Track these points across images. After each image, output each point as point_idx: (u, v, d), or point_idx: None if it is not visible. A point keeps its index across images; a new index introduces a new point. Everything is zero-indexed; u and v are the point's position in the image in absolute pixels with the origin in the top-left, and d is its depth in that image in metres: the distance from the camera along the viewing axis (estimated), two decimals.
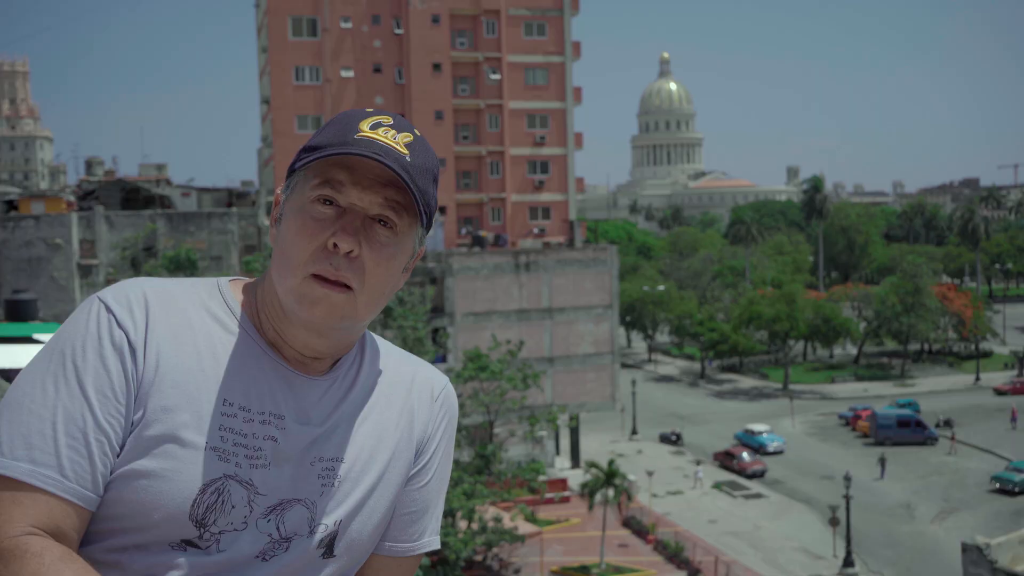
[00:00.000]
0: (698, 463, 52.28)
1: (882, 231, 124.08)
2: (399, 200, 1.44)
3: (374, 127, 1.44)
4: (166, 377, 1.41)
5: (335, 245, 1.40)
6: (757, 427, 57.19)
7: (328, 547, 1.50)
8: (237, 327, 1.49)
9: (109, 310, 1.42)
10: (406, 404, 1.61)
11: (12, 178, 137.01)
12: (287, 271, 1.42)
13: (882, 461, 49.64)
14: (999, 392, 68.09)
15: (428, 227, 1.51)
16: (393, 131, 1.45)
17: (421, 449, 1.62)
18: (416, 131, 1.48)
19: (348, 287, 1.41)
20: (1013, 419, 58.90)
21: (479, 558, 35.25)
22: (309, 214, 1.42)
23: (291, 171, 1.48)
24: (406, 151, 1.43)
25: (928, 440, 55.04)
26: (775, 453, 54.17)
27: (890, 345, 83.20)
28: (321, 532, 1.49)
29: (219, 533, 1.40)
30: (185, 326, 1.45)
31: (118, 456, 1.37)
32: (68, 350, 1.39)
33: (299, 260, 1.41)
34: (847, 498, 37.40)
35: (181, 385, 1.41)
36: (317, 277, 1.40)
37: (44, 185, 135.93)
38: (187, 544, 1.39)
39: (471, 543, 30.97)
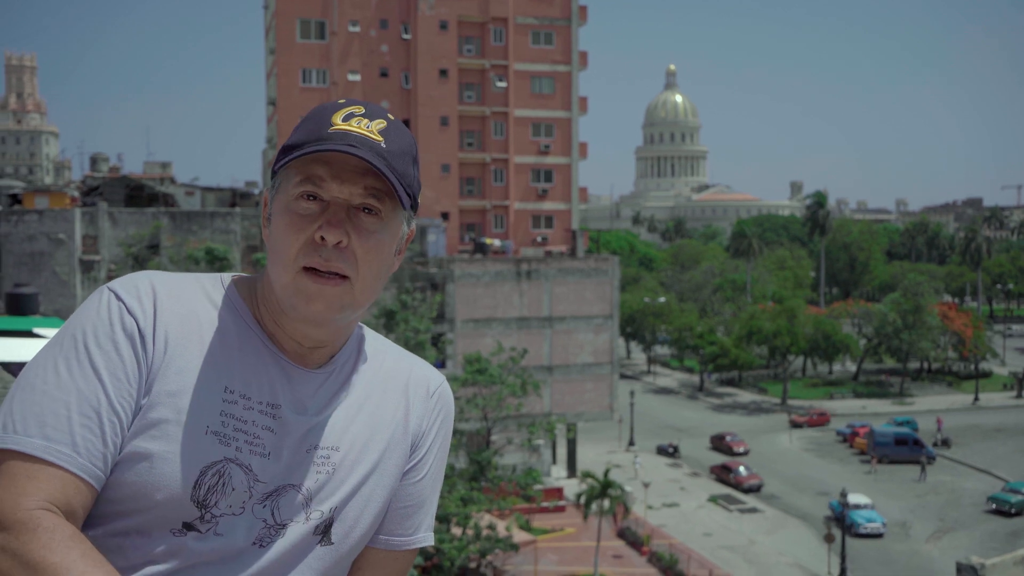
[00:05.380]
0: (636, 456, 53.27)
1: (884, 248, 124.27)
2: (379, 187, 1.47)
3: (347, 118, 1.47)
4: (172, 364, 1.45)
5: (322, 238, 1.43)
6: (856, 498, 43.28)
7: (324, 534, 1.53)
8: (239, 319, 1.53)
9: (119, 298, 1.46)
10: (401, 399, 1.65)
11: (17, 172, 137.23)
12: (280, 268, 1.46)
13: (923, 466, 52.30)
14: (794, 424, 65.86)
15: (414, 207, 1.54)
16: (366, 120, 1.48)
17: (416, 444, 1.65)
18: (390, 115, 1.51)
19: (343, 277, 1.45)
20: (939, 428, 61.09)
21: (473, 565, 35.17)
22: (295, 211, 1.45)
23: (274, 172, 1.52)
24: (380, 138, 1.46)
25: (926, 459, 55.00)
26: (866, 536, 42.08)
27: (889, 363, 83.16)
28: (316, 518, 1.52)
29: (219, 516, 1.43)
30: (191, 316, 1.49)
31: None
32: (80, 335, 1.42)
33: (290, 256, 1.44)
34: (843, 515, 37.38)
35: (185, 372, 1.45)
36: (309, 271, 1.44)
37: (48, 180, 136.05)
38: (187, 528, 1.42)
39: (465, 550, 30.92)
